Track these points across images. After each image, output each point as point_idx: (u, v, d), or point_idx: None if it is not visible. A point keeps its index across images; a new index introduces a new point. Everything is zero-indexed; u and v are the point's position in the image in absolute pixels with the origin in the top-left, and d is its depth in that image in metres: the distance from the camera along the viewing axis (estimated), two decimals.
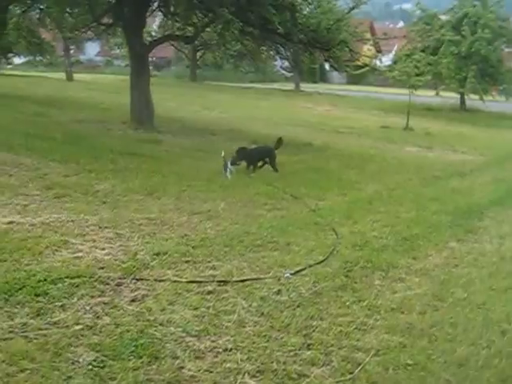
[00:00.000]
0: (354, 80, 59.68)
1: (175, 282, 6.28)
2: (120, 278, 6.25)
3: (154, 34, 31.20)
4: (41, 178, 10.66)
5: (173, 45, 46.87)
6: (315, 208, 9.99)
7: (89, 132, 16.76)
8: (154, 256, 7.02)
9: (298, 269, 6.87)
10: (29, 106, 21.95)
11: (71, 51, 47.51)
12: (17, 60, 56.55)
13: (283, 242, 7.91)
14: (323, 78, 64.84)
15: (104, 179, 10.82)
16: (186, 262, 6.94)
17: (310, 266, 6.97)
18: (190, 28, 20.53)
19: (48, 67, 52.59)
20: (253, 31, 17.85)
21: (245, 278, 6.52)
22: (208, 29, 19.56)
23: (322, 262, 7.17)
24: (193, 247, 7.44)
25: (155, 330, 5.13)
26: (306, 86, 51.30)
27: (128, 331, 5.07)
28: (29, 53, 43.47)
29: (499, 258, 8.04)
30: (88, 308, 5.48)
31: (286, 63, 49.10)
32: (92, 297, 5.76)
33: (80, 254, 6.91)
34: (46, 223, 8.07)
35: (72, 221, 8.33)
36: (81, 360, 4.57)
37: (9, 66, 55.06)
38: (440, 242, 8.59)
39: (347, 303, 6.00)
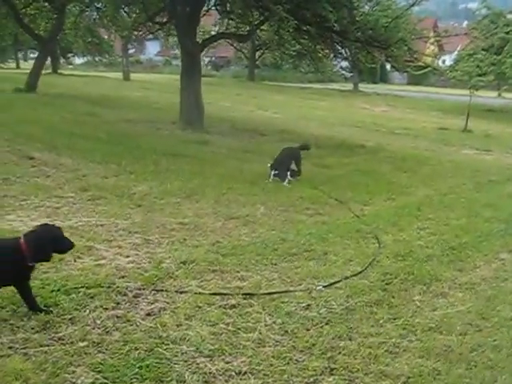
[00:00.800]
0: (415, 80, 58.56)
1: (197, 293, 5.90)
2: (139, 289, 5.91)
3: (212, 32, 30.77)
4: (78, 179, 10.49)
5: (232, 44, 46.69)
6: (359, 214, 9.45)
7: (136, 132, 16.57)
8: (180, 264, 6.67)
9: (332, 281, 6.40)
10: (81, 105, 21.99)
11: (130, 51, 47.83)
12: (78, 60, 57.43)
13: (320, 250, 7.44)
14: (384, 78, 63.83)
15: (143, 181, 10.58)
16: (213, 271, 6.55)
17: (346, 277, 6.49)
18: (245, 26, 20.15)
19: (108, 67, 53.19)
20: (309, 29, 17.36)
21: (273, 290, 6.08)
22: (264, 27, 19.11)
23: (359, 273, 6.68)
24: (223, 255, 7.06)
25: (166, 349, 4.74)
26: (364, 87, 50.54)
27: (136, 349, 4.70)
28: (88, 53, 43.87)
29: None
30: (98, 322, 5.14)
31: (346, 63, 48.47)
32: (106, 309, 5.42)
33: (102, 262, 6.61)
34: (74, 227, 7.82)
35: (101, 225, 8.08)
36: (78, 382, 4.21)
37: (70, 66, 56.03)
38: (490, 252, 7.96)
39: (381, 321, 5.49)
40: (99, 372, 4.35)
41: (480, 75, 25.89)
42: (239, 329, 5.16)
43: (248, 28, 19.62)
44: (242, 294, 5.91)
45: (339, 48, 19.64)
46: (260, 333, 5.10)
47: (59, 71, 44.75)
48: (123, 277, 6.18)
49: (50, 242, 5.05)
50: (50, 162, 11.78)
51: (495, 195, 11.80)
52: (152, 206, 9.18)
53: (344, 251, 7.48)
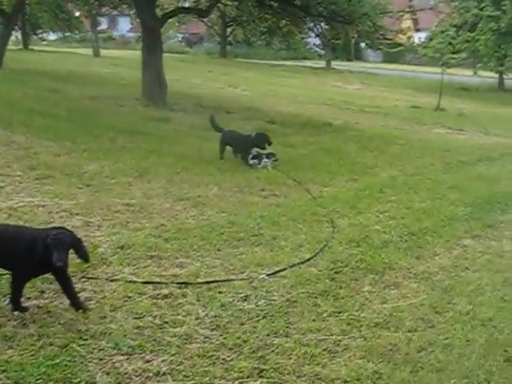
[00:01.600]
0: (390, 58, 57.96)
1: (129, 282, 5.43)
2: None
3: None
4: (29, 157, 9.97)
5: (202, 21, 45.84)
6: (317, 195, 9.04)
7: (97, 109, 16.00)
8: (117, 249, 6.25)
9: (277, 269, 5.95)
10: (45, 81, 21.31)
11: (102, 27, 46.90)
12: (51, 37, 56.35)
13: (270, 235, 7.02)
14: (358, 56, 63.15)
15: (95, 159, 10.09)
16: (151, 257, 6.12)
17: (292, 265, 6.05)
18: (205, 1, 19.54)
19: (80, 43, 52.15)
20: (272, 4, 16.79)
21: (211, 279, 5.62)
22: (227, 2, 18.51)
23: (307, 260, 6.26)
24: (165, 239, 6.63)
25: (82, 345, 4.29)
26: (338, 64, 49.75)
27: (50, 345, 4.26)
28: (58, 29, 42.83)
29: None
30: (16, 313, 4.64)
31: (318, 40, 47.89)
32: (28, 298, 4.96)
33: None
34: (13, 208, 7.37)
35: (43, 206, 7.62)
36: None
37: (44, 43, 54.93)
38: (452, 238, 7.55)
39: (324, 315, 5.08)
40: (3, 371, 3.89)
41: (453, 52, 25.34)
42: (166, 322, 4.73)
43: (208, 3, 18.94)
44: (177, 283, 5.48)
45: (304, 24, 19.01)
46: (189, 327, 4.67)
47: (30, 47, 43.78)
48: None
49: None
50: (2, 139, 11.23)
51: (463, 177, 11.42)
52: (101, 185, 8.72)
53: (295, 236, 7.06)
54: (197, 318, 4.86)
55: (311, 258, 6.31)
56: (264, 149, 10.88)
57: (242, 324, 4.82)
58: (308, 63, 49.37)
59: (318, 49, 53.92)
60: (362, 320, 5.01)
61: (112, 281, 5.46)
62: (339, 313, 5.12)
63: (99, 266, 5.78)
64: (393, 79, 39.01)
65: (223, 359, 4.26)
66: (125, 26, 62.00)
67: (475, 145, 16.00)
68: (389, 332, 4.86)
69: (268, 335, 4.65)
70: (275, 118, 16.54)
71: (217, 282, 5.57)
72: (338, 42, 45.23)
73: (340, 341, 4.65)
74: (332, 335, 4.72)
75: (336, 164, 11.43)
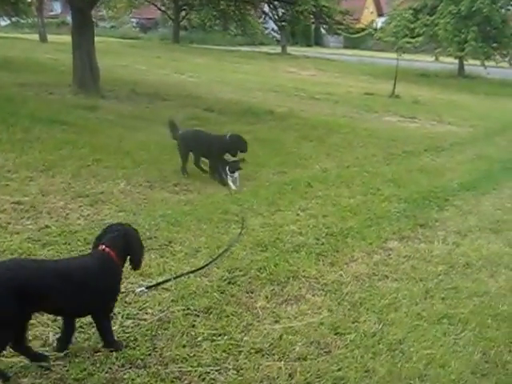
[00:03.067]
0: (352, 44, 57.19)
1: None
2: None
3: None
4: None
5: (155, 4, 44.64)
6: (236, 190, 8.19)
7: (23, 96, 14.91)
8: None
9: (160, 280, 5.08)
10: None
11: (54, 12, 45.42)
12: (3, 22, 54.65)
13: (165, 238, 6.20)
14: (319, 42, 62.31)
15: (1, 151, 9.10)
16: None
17: (177, 276, 5.19)
18: None
19: (33, 29, 50.47)
20: None
21: None
22: None
23: (198, 269, 5.41)
24: (43, 244, 5.82)
25: None
26: (294, 50, 48.70)
27: None
28: (4, 13, 41.17)
29: (447, 265, 6.20)
30: None
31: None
32: None
33: None
34: None
35: None
36: None
37: None
38: (376, 240, 6.76)
39: (199, 338, 4.28)
40: None
41: (411, 37, 24.30)
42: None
43: None
44: None
45: (253, 7, 18.14)
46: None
47: None
48: None
49: None
50: None
51: (405, 169, 10.65)
52: None
53: (194, 239, 6.25)
54: (44, 344, 4.00)
55: (204, 266, 5.48)
56: (234, 156, 9.06)
57: (96, 352, 3.96)
58: (265, 49, 48.39)
59: (276, 34, 52.92)
60: (243, 345, 4.21)
61: None
62: (218, 336, 4.30)
63: None
64: (350, 65, 38.21)
65: None
66: None
67: (426, 134, 15.24)
68: (271, 361, 4.06)
69: (122, 366, 3.81)
70: (213, 106, 15.66)
71: None
72: (296, 26, 44.55)
73: (208, 373, 3.83)
74: (200, 366, 3.91)
75: (267, 155, 10.61)
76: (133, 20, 57.69)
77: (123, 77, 20.85)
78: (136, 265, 4.11)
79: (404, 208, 8.06)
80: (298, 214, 7.40)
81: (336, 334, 4.47)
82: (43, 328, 4.23)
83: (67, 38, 34.50)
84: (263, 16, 46.69)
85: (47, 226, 6.25)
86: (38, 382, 3.63)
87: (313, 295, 5.13)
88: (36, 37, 39.27)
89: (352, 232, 6.85)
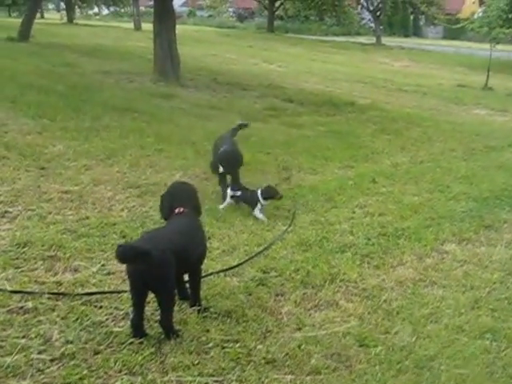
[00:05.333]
0: (451, 35, 55.30)
1: None
2: None
3: None
4: None
5: None
6: (296, 185, 7.91)
7: (103, 84, 15.13)
8: (13, 247, 5.31)
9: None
10: (66, 55, 20.66)
11: (151, 1, 45.96)
12: (105, 12, 56.21)
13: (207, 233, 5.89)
14: (417, 32, 60.55)
15: (65, 139, 9.29)
16: (47, 258, 5.20)
17: (206, 275, 4.92)
18: None
19: (132, 18, 51.56)
20: None
21: (93, 290, 4.59)
22: None
23: (229, 269, 5.13)
24: (78, 236, 5.71)
25: None
26: (390, 40, 47.45)
27: None
28: (102, 2, 42.25)
29: (505, 272, 5.65)
30: None
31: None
32: None
33: None
34: None
35: None
36: None
37: (96, 17, 54.83)
38: (433, 242, 6.28)
39: (210, 344, 4.00)
40: None
41: (509, 27, 23.02)
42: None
43: None
44: (50, 294, 4.44)
45: None
46: (24, 356, 3.69)
47: (75, 21, 43.53)
48: None
49: None
50: None
51: (482, 165, 10.01)
52: (54, 169, 7.90)
53: (235, 235, 5.99)
54: (45, 343, 3.84)
55: (235, 266, 5.19)
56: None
57: (96, 353, 3.77)
58: (360, 39, 47.46)
59: (373, 24, 51.87)
60: (255, 354, 3.90)
61: None
62: (230, 342, 4.01)
63: None
64: (446, 56, 36.85)
65: None
66: (178, 0, 61.16)
67: None
68: (281, 373, 3.75)
69: (119, 371, 3.63)
70: (293, 96, 15.36)
71: (100, 293, 4.54)
72: (393, 17, 43.50)
73: None
74: (200, 375, 3.65)
75: (338, 148, 10.23)
76: (230, 9, 57.88)
77: (209, 66, 20.86)
78: None
79: (471, 207, 7.53)
80: (353, 212, 7.01)
81: (361, 346, 4.09)
82: (49, 326, 4.03)
83: None
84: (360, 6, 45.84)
85: (87, 217, 6.12)
86: (24, 383, 3.44)
87: (347, 301, 4.76)
88: (131, 25, 39.97)
89: (407, 232, 6.41)
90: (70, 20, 43.34)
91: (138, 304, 3.91)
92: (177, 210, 4.34)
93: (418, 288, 5.12)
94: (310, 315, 4.48)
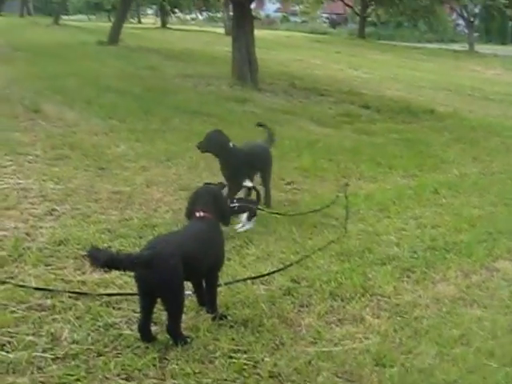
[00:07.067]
0: None
1: (19, 286, 4.53)
2: None
3: None
4: (62, 136, 9.55)
5: (342, 0, 44.18)
6: (353, 192, 7.68)
7: (180, 87, 15.34)
8: (49, 245, 5.39)
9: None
10: (151, 58, 21.09)
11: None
12: (200, 17, 57.15)
13: (243, 239, 5.89)
14: None
15: (130, 140, 9.43)
16: (78, 257, 5.17)
17: (233, 281, 4.81)
18: None
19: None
20: None
21: (114, 292, 4.58)
22: None
23: (255, 278, 4.99)
24: (116, 236, 5.76)
25: None
26: (486, 48, 45.76)
27: None
28: (195, 8, 42.96)
29: None
30: None
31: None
32: None
33: None
34: None
35: (24, 189, 7.01)
36: None
37: (192, 22, 55.84)
38: (485, 257, 5.92)
39: (216, 354, 3.87)
40: None
41: None
42: (4, 345, 3.77)
43: None
44: (71, 292, 4.44)
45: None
46: (27, 353, 3.69)
47: (168, 26, 44.50)
48: None
49: None
50: (51, 116, 10.98)
51: None
52: (113, 169, 8.08)
53: (274, 242, 5.85)
54: (52, 341, 3.83)
55: (269, 273, 5.05)
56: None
57: (99, 355, 3.73)
58: (454, 46, 46.15)
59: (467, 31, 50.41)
60: (261, 367, 3.74)
61: (3, 283, 4.56)
62: (240, 353, 3.88)
63: (6, 264, 4.93)
64: None
65: None
66: (272, 6, 61.43)
67: None
68: None
69: (117, 375, 3.57)
70: (371, 103, 15.07)
71: (120, 295, 4.50)
72: (490, 23, 42.17)
73: None
74: None
75: (405, 157, 9.94)
76: (323, 15, 57.67)
77: (291, 71, 20.81)
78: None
79: None
80: (406, 223, 6.74)
81: (377, 366, 3.86)
82: (62, 325, 4.02)
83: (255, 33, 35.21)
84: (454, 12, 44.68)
85: (130, 218, 6.13)
86: (20, 381, 3.42)
87: (374, 316, 4.52)
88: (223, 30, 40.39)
89: (458, 246, 6.08)
90: (164, 24, 44.30)
91: (145, 308, 3.84)
92: (197, 214, 4.27)
93: (456, 307, 4.81)
94: (330, 329, 4.28)
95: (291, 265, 5.26)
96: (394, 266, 5.50)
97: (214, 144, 6.52)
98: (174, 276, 3.74)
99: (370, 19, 49.60)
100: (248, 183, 5.91)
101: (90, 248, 3.72)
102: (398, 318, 4.53)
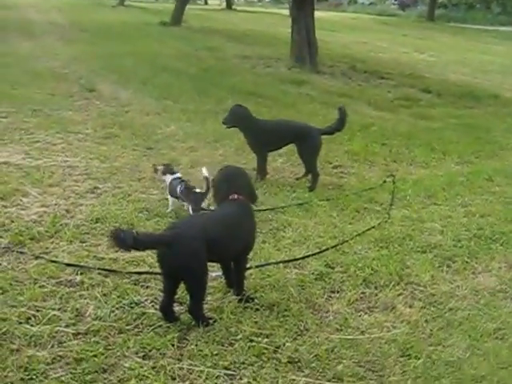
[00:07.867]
0: None
1: (52, 261, 4.61)
2: None
3: None
4: (114, 115, 9.72)
5: None
6: (402, 177, 7.48)
7: (237, 68, 15.30)
8: (87, 222, 5.49)
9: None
10: (212, 39, 21.12)
11: None
12: None
13: (281, 222, 5.84)
14: None
15: (180, 120, 9.51)
16: None
17: (260, 265, 4.74)
18: None
19: None
20: None
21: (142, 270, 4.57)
22: None
23: (293, 260, 4.92)
24: (153, 215, 5.82)
25: None
26: None
27: None
28: None
29: None
30: None
31: None
32: None
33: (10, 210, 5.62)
34: (36, 167, 7.00)
35: (70, 166, 7.16)
36: None
37: (259, 4, 55.70)
38: None
39: (238, 336, 3.81)
40: None
41: None
42: (30, 318, 3.84)
43: None
44: (100, 269, 4.48)
45: None
46: (51, 327, 3.75)
47: (233, 7, 44.63)
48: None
49: None
50: (105, 96, 11.14)
51: None
52: (161, 149, 8.15)
53: (313, 226, 5.72)
54: (76, 317, 3.89)
55: (304, 257, 4.97)
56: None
57: (120, 332, 3.73)
58: None
59: None
60: (281, 352, 3.66)
61: (37, 258, 4.64)
62: (262, 337, 3.81)
63: (45, 240, 5.06)
64: None
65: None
66: None
67: None
68: (300, 375, 3.47)
69: (135, 353, 3.55)
70: (432, 87, 14.69)
71: (149, 273, 4.49)
72: None
73: (217, 377, 3.40)
74: (215, 367, 3.48)
75: (462, 142, 9.64)
76: None
77: (355, 53, 20.51)
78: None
79: None
80: (453, 211, 6.51)
81: (402, 357, 3.73)
82: (88, 301, 4.04)
83: (321, 14, 34.85)
84: None
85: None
86: (39, 354, 3.47)
87: (406, 306, 4.37)
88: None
89: (506, 237, 5.81)
90: (229, 6, 44.34)
91: (167, 289, 3.81)
92: (231, 197, 4.19)
93: (495, 299, 4.60)
94: (358, 317, 4.15)
95: (327, 249, 5.14)
96: (434, 254, 5.31)
97: (239, 118, 6.81)
98: (196, 258, 3.69)
99: (440, 1, 48.36)
100: (204, 172, 5.71)
101: (114, 229, 3.68)
102: (432, 309, 4.36)
